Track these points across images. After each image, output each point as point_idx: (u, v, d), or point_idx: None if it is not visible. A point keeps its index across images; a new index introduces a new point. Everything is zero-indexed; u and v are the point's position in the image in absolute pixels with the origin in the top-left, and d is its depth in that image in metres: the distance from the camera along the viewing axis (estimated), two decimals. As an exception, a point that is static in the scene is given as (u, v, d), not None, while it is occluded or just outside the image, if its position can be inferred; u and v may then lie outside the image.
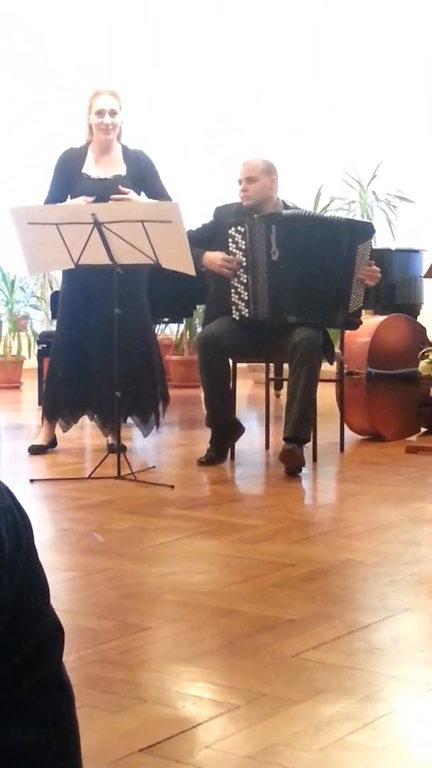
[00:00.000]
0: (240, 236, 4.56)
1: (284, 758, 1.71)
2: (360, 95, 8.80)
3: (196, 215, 4.83)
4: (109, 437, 4.93)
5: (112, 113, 4.90)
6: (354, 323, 4.71)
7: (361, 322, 4.74)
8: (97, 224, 4.17)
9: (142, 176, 4.93)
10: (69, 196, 4.89)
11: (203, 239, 4.60)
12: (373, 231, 4.74)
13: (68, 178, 4.93)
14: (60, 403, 4.97)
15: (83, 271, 4.46)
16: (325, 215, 4.66)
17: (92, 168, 4.94)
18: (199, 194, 6.82)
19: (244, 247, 4.55)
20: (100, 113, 4.89)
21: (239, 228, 4.57)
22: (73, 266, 4.31)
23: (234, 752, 1.74)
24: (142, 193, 4.92)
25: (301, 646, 2.24)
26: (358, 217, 8.22)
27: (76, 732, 1.11)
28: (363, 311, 4.75)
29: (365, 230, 4.66)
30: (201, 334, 4.77)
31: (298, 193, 7.44)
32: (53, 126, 8.64)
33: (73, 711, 1.11)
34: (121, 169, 4.93)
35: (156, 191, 4.90)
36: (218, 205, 4.87)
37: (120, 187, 4.78)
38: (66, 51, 9.34)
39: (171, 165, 9.21)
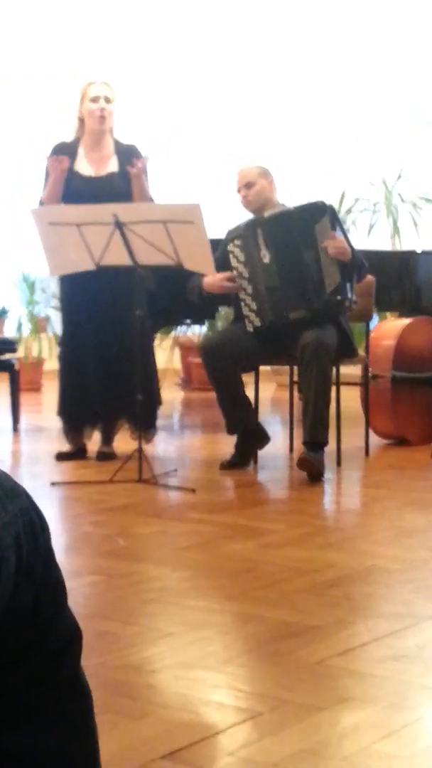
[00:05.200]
0: (238, 249, 4.56)
1: (308, 766, 1.67)
2: (385, 97, 8.76)
3: (220, 227, 4.80)
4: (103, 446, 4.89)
5: (107, 100, 4.77)
6: (338, 303, 4.45)
7: (352, 301, 4.49)
8: (119, 225, 4.15)
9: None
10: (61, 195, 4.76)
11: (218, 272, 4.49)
12: (325, 206, 4.53)
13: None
14: (68, 413, 4.89)
15: (83, 275, 4.39)
16: (292, 207, 4.60)
17: (84, 165, 4.81)
18: (222, 204, 6.77)
19: (243, 259, 4.55)
20: (95, 99, 4.76)
21: (236, 242, 4.57)
22: (94, 267, 4.28)
23: (257, 760, 1.70)
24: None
25: (325, 652, 2.21)
26: (383, 219, 8.20)
27: (94, 735, 1.10)
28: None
29: (317, 208, 4.51)
30: (201, 343, 4.76)
31: (323, 194, 7.43)
32: (53, 127, 8.62)
33: (91, 714, 1.09)
34: (114, 166, 4.81)
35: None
36: (230, 228, 4.80)
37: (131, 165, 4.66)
38: (66, 51, 9.30)
39: (193, 175, 9.24)
